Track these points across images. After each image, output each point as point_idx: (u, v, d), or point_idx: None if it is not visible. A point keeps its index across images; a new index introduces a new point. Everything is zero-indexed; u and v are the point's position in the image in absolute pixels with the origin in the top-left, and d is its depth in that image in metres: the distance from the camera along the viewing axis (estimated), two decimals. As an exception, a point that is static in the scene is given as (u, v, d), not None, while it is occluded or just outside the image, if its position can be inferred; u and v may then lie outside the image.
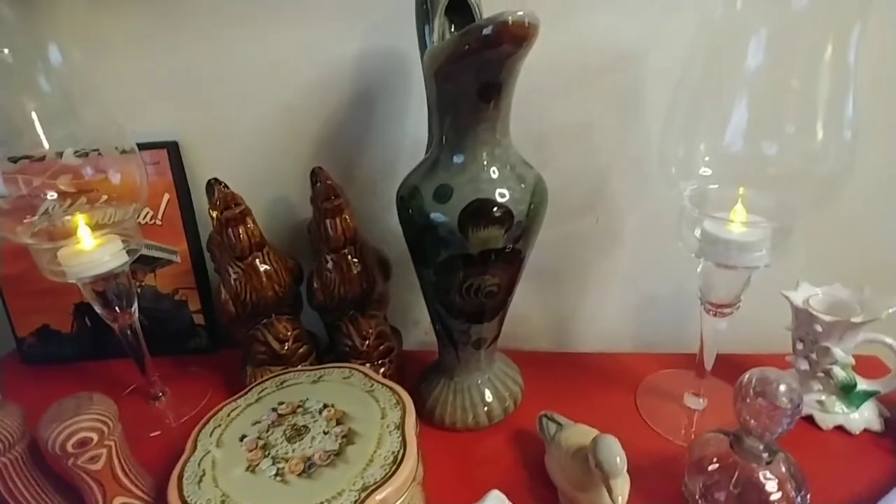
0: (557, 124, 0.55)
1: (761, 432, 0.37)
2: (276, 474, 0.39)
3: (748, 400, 0.36)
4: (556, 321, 0.66)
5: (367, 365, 0.53)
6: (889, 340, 0.47)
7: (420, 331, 0.67)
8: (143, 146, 0.58)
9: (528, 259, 0.46)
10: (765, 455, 0.38)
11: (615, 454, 0.38)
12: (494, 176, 0.40)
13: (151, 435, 0.55)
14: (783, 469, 0.39)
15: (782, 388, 0.35)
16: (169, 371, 0.62)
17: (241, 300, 0.50)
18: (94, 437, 0.38)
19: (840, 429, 0.49)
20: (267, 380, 0.49)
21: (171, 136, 0.60)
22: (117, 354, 0.56)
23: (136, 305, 0.53)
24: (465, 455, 0.49)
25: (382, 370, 0.55)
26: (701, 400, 0.52)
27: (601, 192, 0.57)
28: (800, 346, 0.49)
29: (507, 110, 0.39)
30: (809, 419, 0.50)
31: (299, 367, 0.53)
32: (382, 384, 0.47)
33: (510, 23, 0.31)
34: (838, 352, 0.47)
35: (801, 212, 0.40)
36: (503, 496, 0.32)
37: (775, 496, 0.38)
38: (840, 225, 0.57)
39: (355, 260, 0.50)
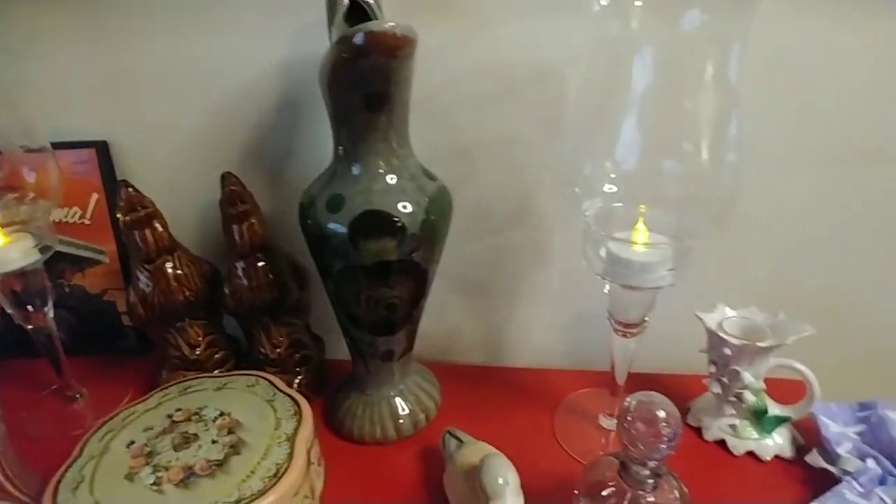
0: (482, 139, 0.54)
1: (643, 458, 0.36)
2: (154, 483, 0.38)
3: (626, 426, 0.35)
4: (489, 336, 0.65)
5: (282, 374, 0.52)
6: (799, 366, 0.46)
7: (353, 340, 0.66)
8: (70, 145, 0.58)
9: (433, 272, 0.46)
10: (650, 481, 0.37)
11: (498, 476, 0.37)
12: (388, 187, 0.39)
13: (74, 433, 0.54)
14: (672, 495, 0.38)
15: (661, 413, 0.35)
16: (92, 372, 0.61)
17: (150, 304, 0.49)
18: (-31, 439, 0.38)
19: (751, 454, 0.48)
20: (170, 385, 0.48)
21: (101, 136, 0.59)
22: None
23: (50, 306, 0.52)
24: (371, 469, 0.48)
25: (298, 379, 0.54)
26: (615, 421, 0.51)
27: (528, 209, 0.57)
28: (713, 368, 0.48)
29: (401, 120, 0.39)
30: (722, 444, 0.49)
31: (214, 373, 0.52)
32: (285, 394, 0.47)
33: (377, 33, 0.31)
34: (748, 376, 0.46)
35: (698, 232, 0.40)
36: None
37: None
38: (769, 248, 0.57)
39: (264, 266, 0.49)
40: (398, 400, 0.51)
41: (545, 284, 0.61)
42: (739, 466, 0.48)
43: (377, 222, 0.39)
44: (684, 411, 0.53)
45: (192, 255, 0.52)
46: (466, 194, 0.57)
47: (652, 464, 0.36)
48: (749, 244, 0.57)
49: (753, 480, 0.46)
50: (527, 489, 0.43)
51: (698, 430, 0.51)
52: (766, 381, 0.48)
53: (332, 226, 0.40)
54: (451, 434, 0.46)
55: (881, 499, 0.40)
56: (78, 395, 0.57)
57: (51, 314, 0.52)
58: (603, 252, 0.43)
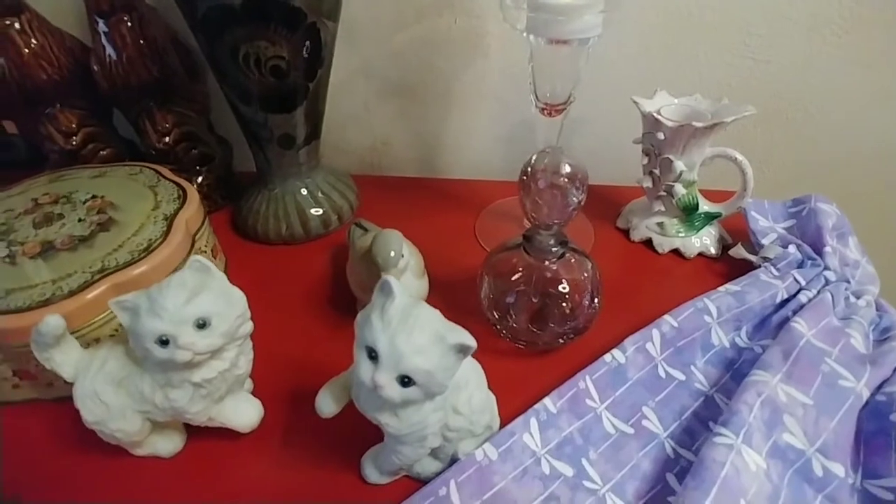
0: None
1: (545, 219, 0.33)
2: (7, 256, 0.35)
3: (527, 180, 0.31)
4: (422, 149, 0.60)
5: (180, 173, 0.47)
6: (736, 154, 0.42)
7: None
8: None
9: (328, 35, 0.39)
10: (554, 249, 0.34)
11: (389, 247, 0.34)
12: None
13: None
14: (580, 269, 0.36)
15: (565, 167, 0.31)
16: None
17: (3, 80, 0.42)
18: None
19: (676, 252, 0.46)
20: (41, 175, 0.43)
21: None
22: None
23: None
24: (274, 267, 0.45)
25: (199, 180, 0.49)
26: (540, 220, 0.48)
27: (458, -16, 0.49)
28: (645, 160, 0.45)
29: None
30: (648, 243, 0.47)
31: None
32: (171, 181, 0.42)
33: None
34: (679, 164, 0.42)
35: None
36: (205, 260, 0.27)
37: (564, 290, 0.35)
38: (726, 45, 0.51)
39: (133, 29, 0.41)
40: (306, 195, 0.46)
41: (482, 85, 0.54)
42: (661, 263, 0.46)
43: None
44: (615, 215, 0.50)
45: (50, 25, 0.43)
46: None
47: (555, 226, 0.33)
48: (707, 39, 0.50)
49: (674, 276, 0.45)
50: (441, 282, 0.41)
51: (626, 233, 0.49)
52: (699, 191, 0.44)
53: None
54: (357, 225, 0.43)
55: (795, 279, 0.38)
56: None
57: None
58: (525, 4, 0.36)
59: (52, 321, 0.27)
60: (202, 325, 0.26)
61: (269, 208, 0.46)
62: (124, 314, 0.27)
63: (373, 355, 0.24)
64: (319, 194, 0.47)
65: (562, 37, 0.35)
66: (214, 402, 0.29)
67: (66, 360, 0.28)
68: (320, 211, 0.47)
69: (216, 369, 0.28)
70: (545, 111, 0.41)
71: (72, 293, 0.32)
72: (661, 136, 0.41)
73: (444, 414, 0.27)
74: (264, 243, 0.47)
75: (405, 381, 0.23)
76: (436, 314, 0.25)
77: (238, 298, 0.28)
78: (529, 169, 0.31)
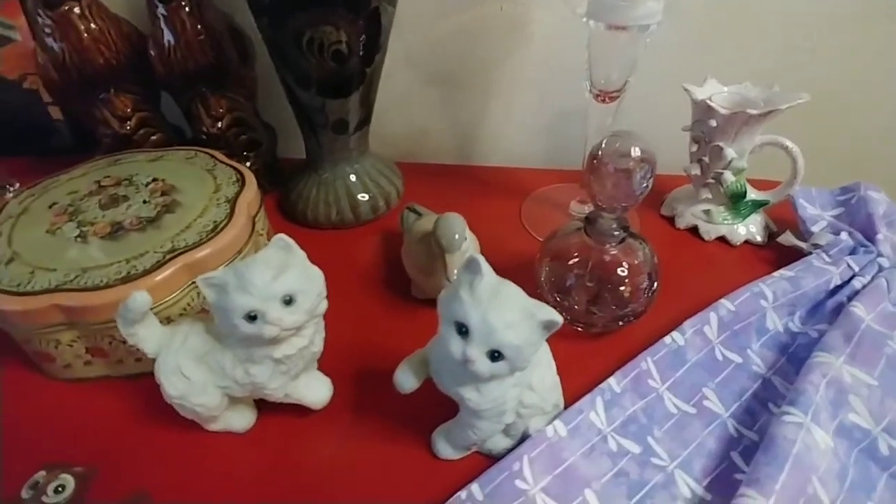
0: None
1: (612, 202, 0.33)
2: (78, 236, 0.35)
3: (596, 164, 0.32)
4: (460, 138, 0.60)
5: (229, 157, 0.48)
6: (786, 142, 0.43)
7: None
8: None
9: (387, 22, 0.39)
10: (616, 233, 0.35)
11: (453, 230, 0.35)
12: None
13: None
14: (638, 253, 0.36)
15: (635, 151, 0.31)
16: (20, 172, 0.56)
17: (63, 65, 0.43)
18: None
19: (722, 240, 0.46)
20: (99, 158, 0.43)
21: None
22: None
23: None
24: (326, 251, 0.45)
25: (248, 164, 0.49)
26: (587, 207, 0.48)
27: (506, -31, 0.49)
28: (694, 147, 0.45)
29: None
30: (694, 230, 0.47)
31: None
32: (227, 164, 0.42)
33: None
34: (730, 151, 0.42)
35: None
36: (288, 239, 0.28)
37: (623, 273, 0.35)
38: (773, 31, 0.51)
39: (191, 14, 0.41)
40: (355, 180, 0.47)
41: (521, 75, 0.55)
42: (709, 251, 0.46)
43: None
44: (658, 203, 0.51)
45: (108, 11, 0.44)
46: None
47: (620, 209, 0.33)
48: (751, 28, 0.51)
49: (721, 263, 0.45)
50: (493, 265, 0.41)
51: (671, 220, 0.49)
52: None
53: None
54: (410, 209, 0.43)
55: (848, 265, 0.39)
56: (8, 186, 0.52)
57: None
58: (587, -9, 0.36)
59: (140, 297, 0.28)
60: (288, 301, 0.27)
61: (319, 193, 0.46)
62: (211, 291, 0.27)
63: (462, 330, 0.24)
64: (368, 180, 0.47)
65: (623, 23, 0.36)
66: (291, 379, 0.30)
67: (149, 335, 0.29)
68: (368, 196, 0.47)
69: (296, 346, 0.29)
70: (599, 97, 0.41)
71: (146, 272, 0.33)
72: (713, 123, 0.42)
73: (520, 390, 0.28)
74: (314, 228, 0.47)
75: (495, 355, 0.24)
76: (521, 292, 0.26)
77: (317, 276, 0.29)
78: (600, 152, 0.31)
